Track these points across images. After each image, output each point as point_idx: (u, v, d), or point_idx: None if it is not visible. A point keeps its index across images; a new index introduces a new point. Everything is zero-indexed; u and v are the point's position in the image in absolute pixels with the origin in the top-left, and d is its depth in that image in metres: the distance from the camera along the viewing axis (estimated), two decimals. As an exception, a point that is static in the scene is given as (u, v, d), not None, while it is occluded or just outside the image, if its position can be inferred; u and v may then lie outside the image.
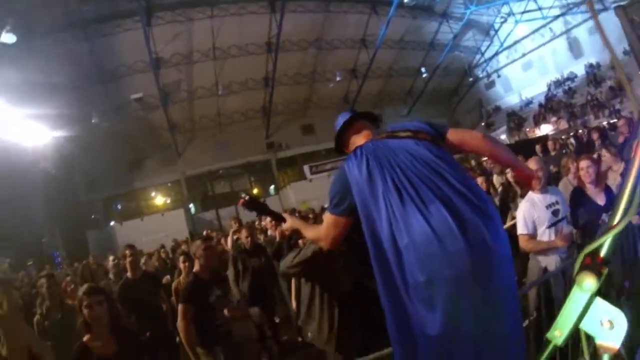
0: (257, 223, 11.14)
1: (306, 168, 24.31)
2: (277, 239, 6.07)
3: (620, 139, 7.23)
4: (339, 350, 2.74)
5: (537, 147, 10.13)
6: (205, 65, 21.27)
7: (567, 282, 3.11)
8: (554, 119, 24.59)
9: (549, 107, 26.18)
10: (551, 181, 4.29)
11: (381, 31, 22.46)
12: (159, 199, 26.08)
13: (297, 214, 8.60)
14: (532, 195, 3.67)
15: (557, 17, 25.60)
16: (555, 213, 3.57)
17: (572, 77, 26.30)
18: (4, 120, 14.09)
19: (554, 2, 24.51)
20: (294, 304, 4.26)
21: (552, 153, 9.20)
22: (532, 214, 3.57)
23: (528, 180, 2.11)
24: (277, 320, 6.21)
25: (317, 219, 6.46)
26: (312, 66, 24.86)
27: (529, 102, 28.75)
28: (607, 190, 4.04)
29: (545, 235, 3.56)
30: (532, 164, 3.72)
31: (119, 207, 25.21)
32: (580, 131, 17.97)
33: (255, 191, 26.35)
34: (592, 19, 23.49)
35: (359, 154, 1.89)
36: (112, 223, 23.20)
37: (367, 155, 1.85)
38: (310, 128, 27.79)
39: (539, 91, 28.14)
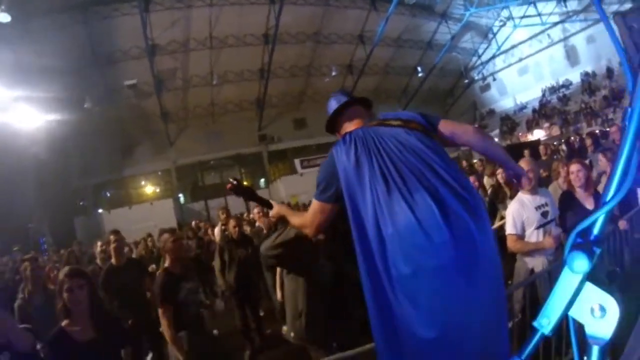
0: (245, 215, 11.10)
1: (297, 162, 24.31)
2: (264, 230, 6.04)
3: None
4: (321, 345, 2.72)
5: (526, 152, 9.82)
6: (201, 54, 21.13)
7: (553, 283, 3.10)
8: (546, 124, 24.77)
9: (542, 112, 26.37)
10: (542, 185, 4.29)
11: (380, 28, 22.45)
12: (149, 188, 25.98)
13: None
14: (521, 196, 3.66)
15: (555, 24, 25.75)
16: (544, 214, 3.57)
17: (567, 85, 26.49)
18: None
19: (554, 9, 24.63)
20: (279, 294, 4.21)
21: (544, 158, 9.23)
22: (521, 214, 3.56)
23: (518, 179, 2.08)
24: (261, 313, 6.20)
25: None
26: (308, 59, 24.82)
27: (523, 107, 28.92)
28: (597, 195, 4.04)
29: (533, 236, 3.55)
30: (524, 164, 3.70)
31: (108, 194, 25.06)
32: (572, 138, 18.08)
33: (245, 183, 26.26)
34: (590, 27, 23.70)
35: (348, 139, 1.86)
36: (100, 210, 23.04)
37: (356, 141, 1.82)
38: (302, 122, 27.77)
39: (533, 96, 28.30)
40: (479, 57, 30.55)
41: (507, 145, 21.68)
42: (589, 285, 0.67)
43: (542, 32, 26.69)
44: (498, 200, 6.12)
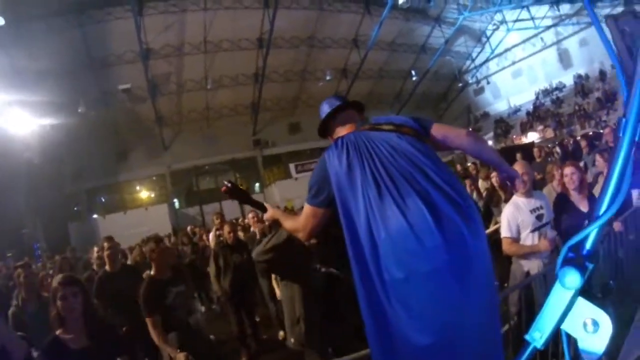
0: (239, 220, 11.06)
1: (292, 166, 24.33)
2: (258, 236, 6.01)
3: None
4: (318, 350, 2.71)
5: (518, 155, 9.80)
6: (195, 58, 21.10)
7: (549, 286, 3.10)
8: (540, 127, 24.89)
9: (536, 115, 26.50)
10: (536, 187, 4.30)
11: (374, 32, 22.49)
12: (144, 193, 25.88)
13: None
14: (516, 199, 3.66)
15: (548, 27, 25.96)
16: (539, 217, 3.57)
17: (560, 87, 26.68)
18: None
19: (547, 13, 24.81)
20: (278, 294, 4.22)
21: (538, 160, 9.24)
22: (516, 217, 3.56)
23: (511, 181, 2.06)
24: (257, 319, 6.18)
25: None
26: (303, 64, 24.83)
27: (516, 110, 29.06)
28: (591, 197, 4.06)
29: (528, 239, 3.55)
30: (518, 167, 3.72)
31: (103, 200, 24.96)
32: (565, 140, 18.15)
33: (240, 186, 26.26)
34: (582, 31, 23.89)
35: (340, 144, 1.86)
36: (94, 216, 22.93)
37: (348, 145, 1.82)
38: (297, 126, 27.79)
39: (527, 99, 28.46)
40: (473, 60, 30.71)
41: (500, 148, 21.80)
42: (581, 300, 0.66)
43: (535, 35, 26.90)
44: (493, 203, 6.13)
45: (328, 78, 25.03)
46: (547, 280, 3.15)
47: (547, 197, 4.07)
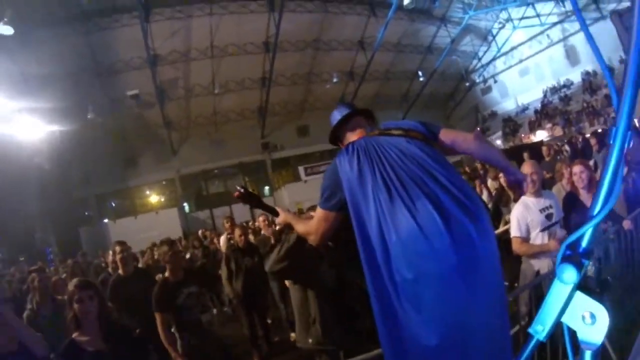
0: (250, 223, 11.10)
1: (301, 169, 24.29)
2: (272, 240, 6.04)
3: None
4: (328, 352, 2.74)
5: (525, 155, 9.57)
6: (202, 63, 21.24)
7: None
8: (549, 125, 24.74)
9: (544, 113, 26.33)
10: (545, 186, 4.29)
11: (379, 33, 22.49)
12: (153, 197, 26.06)
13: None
14: (526, 198, 3.66)
15: (554, 24, 25.77)
16: (548, 217, 3.57)
17: (568, 84, 26.48)
18: (-1, 113, 14.03)
19: (552, 10, 24.65)
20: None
21: (547, 159, 9.17)
22: (525, 217, 3.56)
23: (519, 185, 2.08)
24: (269, 321, 6.22)
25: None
26: (309, 67, 24.88)
27: (524, 108, 28.89)
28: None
29: (538, 238, 3.55)
30: (527, 167, 3.73)
31: (113, 204, 25.15)
32: (574, 138, 18.00)
33: (252, 191, 26.37)
34: (589, 27, 23.56)
35: (351, 149, 1.90)
36: (105, 220, 23.11)
37: (359, 151, 1.86)
38: (305, 129, 27.84)
39: (535, 97, 28.28)
40: (479, 59, 30.58)
41: (509, 147, 21.66)
42: (579, 294, 0.70)
43: (542, 32, 26.71)
44: (502, 203, 6.12)
45: (335, 80, 25.03)
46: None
47: (556, 196, 4.06)
